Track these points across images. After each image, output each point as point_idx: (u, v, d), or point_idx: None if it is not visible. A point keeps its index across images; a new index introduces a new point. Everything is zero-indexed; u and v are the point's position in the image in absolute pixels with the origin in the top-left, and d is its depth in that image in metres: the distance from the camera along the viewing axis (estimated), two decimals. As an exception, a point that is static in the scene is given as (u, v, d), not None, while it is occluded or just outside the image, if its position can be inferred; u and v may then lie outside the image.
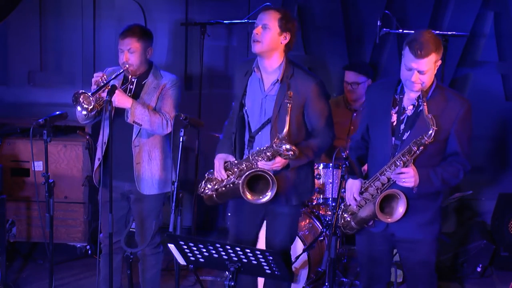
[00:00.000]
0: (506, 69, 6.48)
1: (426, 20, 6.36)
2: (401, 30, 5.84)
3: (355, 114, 5.88)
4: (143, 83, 4.67)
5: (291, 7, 6.50)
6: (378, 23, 5.80)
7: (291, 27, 4.27)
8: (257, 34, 4.25)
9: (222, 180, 4.40)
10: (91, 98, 4.37)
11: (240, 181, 4.24)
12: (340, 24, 6.55)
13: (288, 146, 4.13)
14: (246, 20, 5.98)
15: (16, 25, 6.68)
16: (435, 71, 3.90)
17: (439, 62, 3.90)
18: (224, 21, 6.20)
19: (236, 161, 4.38)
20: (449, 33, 5.85)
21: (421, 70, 3.82)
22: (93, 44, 6.69)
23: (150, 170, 4.68)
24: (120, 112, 4.55)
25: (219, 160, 4.42)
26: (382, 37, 5.92)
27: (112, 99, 4.39)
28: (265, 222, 4.60)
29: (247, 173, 4.23)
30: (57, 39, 6.73)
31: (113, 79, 4.54)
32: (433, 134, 3.80)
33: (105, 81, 4.44)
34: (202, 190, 4.51)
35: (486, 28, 6.42)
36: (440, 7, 6.39)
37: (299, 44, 6.54)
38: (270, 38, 4.23)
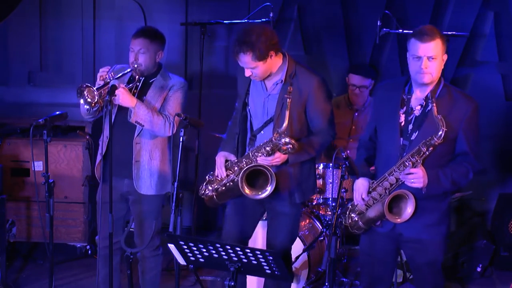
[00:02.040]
0: (506, 69, 6.48)
1: (426, 20, 6.35)
2: (401, 30, 5.84)
3: (356, 114, 5.88)
4: (150, 81, 4.68)
5: (291, 7, 6.50)
6: (378, 23, 5.80)
7: (270, 46, 4.15)
8: (250, 75, 4.23)
9: (222, 179, 4.40)
10: (95, 93, 4.37)
11: (239, 178, 4.25)
12: (340, 24, 6.55)
13: (287, 140, 4.12)
14: (246, 20, 5.98)
15: (16, 25, 6.68)
16: (442, 65, 3.91)
17: (445, 57, 3.92)
18: (224, 21, 6.20)
19: (236, 160, 4.39)
20: (449, 33, 5.84)
21: (429, 56, 3.84)
22: (93, 44, 6.70)
23: (150, 170, 4.68)
24: (124, 109, 4.56)
25: (221, 157, 4.42)
26: (382, 37, 5.91)
27: (117, 97, 4.41)
28: (266, 221, 4.60)
29: (246, 168, 4.24)
30: (57, 39, 6.74)
31: (120, 76, 4.54)
32: (443, 135, 3.80)
33: (111, 77, 4.45)
34: (203, 192, 4.50)
35: (486, 28, 6.41)
36: (440, 7, 6.39)
37: (299, 44, 6.54)
38: (261, 71, 4.21)
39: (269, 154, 4.21)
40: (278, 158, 4.22)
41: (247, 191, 4.26)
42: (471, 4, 6.37)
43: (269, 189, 4.23)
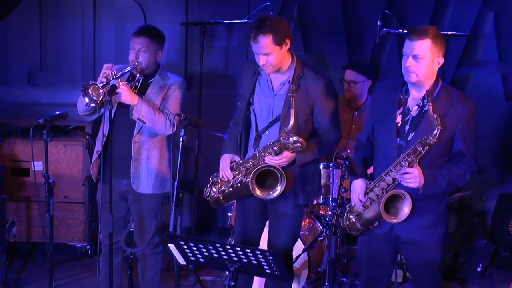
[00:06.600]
0: (506, 69, 6.48)
1: (426, 20, 6.35)
2: (401, 30, 5.84)
3: (356, 113, 5.88)
4: (149, 81, 4.69)
5: (291, 7, 6.51)
6: (378, 23, 5.81)
7: (287, 33, 4.20)
8: (264, 64, 4.20)
9: (229, 181, 4.39)
10: (100, 90, 4.38)
11: (248, 179, 4.23)
12: (340, 24, 6.55)
13: (295, 138, 4.12)
14: (246, 20, 5.98)
15: (16, 25, 6.68)
16: (435, 67, 3.88)
17: (440, 60, 3.88)
18: (224, 21, 6.21)
19: (241, 161, 4.38)
20: (449, 33, 5.85)
21: (414, 54, 3.81)
22: (93, 44, 6.70)
23: (147, 169, 4.68)
24: (123, 107, 4.56)
25: (225, 160, 4.41)
26: (382, 37, 5.92)
27: (119, 94, 4.43)
28: (267, 221, 4.60)
29: (255, 169, 4.22)
30: (57, 39, 6.74)
31: (121, 76, 4.54)
32: (438, 134, 3.79)
33: (114, 75, 4.45)
34: (208, 194, 4.49)
35: (486, 28, 6.42)
36: (440, 7, 6.39)
37: (299, 44, 6.54)
38: (276, 59, 4.20)
39: (276, 153, 4.21)
40: (286, 157, 4.21)
41: (258, 192, 4.25)
42: (471, 4, 6.37)
43: (279, 189, 4.22)
